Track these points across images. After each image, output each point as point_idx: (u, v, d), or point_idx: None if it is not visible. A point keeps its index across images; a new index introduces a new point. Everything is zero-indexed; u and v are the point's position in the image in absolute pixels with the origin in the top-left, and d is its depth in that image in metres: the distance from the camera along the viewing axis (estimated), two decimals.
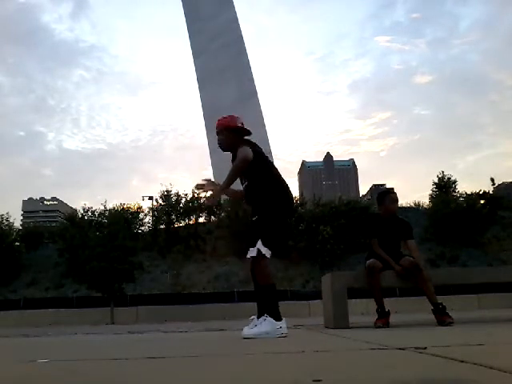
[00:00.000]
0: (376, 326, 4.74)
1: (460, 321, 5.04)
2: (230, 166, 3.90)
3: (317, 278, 25.42)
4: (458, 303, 15.56)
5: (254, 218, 3.80)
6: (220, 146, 4.08)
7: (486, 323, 5.00)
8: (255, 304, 3.82)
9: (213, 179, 4.09)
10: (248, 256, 3.69)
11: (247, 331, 3.59)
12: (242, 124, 4.06)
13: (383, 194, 5.20)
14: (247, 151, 3.77)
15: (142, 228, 36.51)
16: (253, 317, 3.71)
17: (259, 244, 3.61)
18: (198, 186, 3.86)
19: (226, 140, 4.00)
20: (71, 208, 64.79)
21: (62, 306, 24.06)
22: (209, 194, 3.81)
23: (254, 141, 4.10)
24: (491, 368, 1.51)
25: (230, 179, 3.81)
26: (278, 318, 3.60)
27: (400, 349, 2.29)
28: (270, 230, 3.71)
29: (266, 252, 3.61)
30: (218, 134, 4.04)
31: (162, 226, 35.68)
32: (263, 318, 3.61)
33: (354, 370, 1.70)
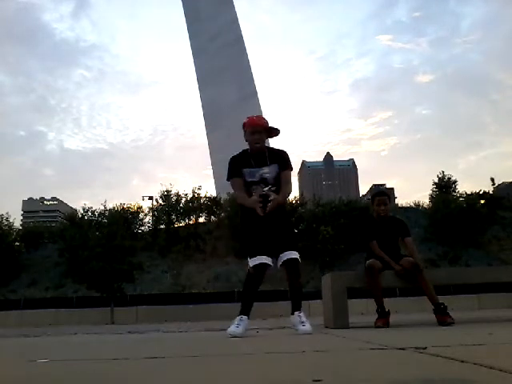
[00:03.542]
0: (376, 326, 4.74)
1: (460, 321, 5.04)
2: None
3: (317, 277, 25.41)
4: (457, 303, 15.55)
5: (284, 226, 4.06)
6: (257, 144, 4.06)
7: (486, 323, 4.99)
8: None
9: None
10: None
11: (309, 328, 3.86)
12: None
13: (372, 197, 5.28)
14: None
15: (142, 228, 36.56)
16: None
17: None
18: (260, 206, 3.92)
19: (264, 140, 4.12)
20: (71, 208, 64.77)
21: (62, 306, 24.04)
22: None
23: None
24: (491, 368, 1.51)
25: (285, 197, 4.19)
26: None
27: (400, 349, 2.29)
28: None
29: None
30: (261, 132, 4.06)
31: (162, 226, 35.68)
32: (301, 313, 3.99)
33: (353, 370, 1.70)
